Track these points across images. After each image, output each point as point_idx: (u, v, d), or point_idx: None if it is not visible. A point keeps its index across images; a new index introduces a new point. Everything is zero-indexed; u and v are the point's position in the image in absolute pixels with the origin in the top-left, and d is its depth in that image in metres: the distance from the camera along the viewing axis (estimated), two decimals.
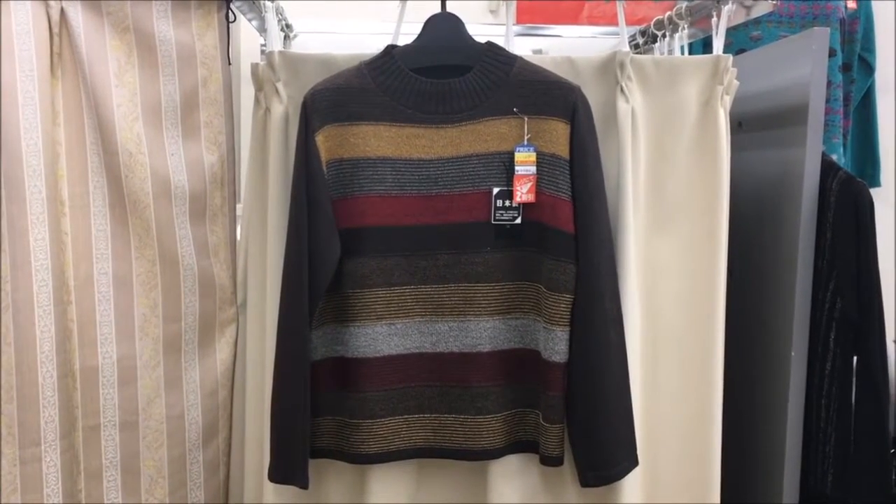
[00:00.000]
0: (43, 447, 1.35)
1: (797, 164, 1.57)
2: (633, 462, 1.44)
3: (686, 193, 1.52)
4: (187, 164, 1.50)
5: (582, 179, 1.39)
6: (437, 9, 1.46)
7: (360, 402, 1.41)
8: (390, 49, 1.43)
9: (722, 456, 1.53)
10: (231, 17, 1.53)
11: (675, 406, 1.54)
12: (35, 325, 1.33)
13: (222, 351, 1.58)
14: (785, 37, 1.91)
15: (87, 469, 1.45)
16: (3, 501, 1.32)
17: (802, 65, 1.57)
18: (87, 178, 1.41)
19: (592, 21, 2.62)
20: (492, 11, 2.65)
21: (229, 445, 1.61)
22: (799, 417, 1.57)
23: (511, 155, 1.39)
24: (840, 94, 2.25)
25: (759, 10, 1.65)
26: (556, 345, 1.39)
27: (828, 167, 1.56)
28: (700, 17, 1.70)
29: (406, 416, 1.44)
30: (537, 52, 2.42)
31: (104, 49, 1.40)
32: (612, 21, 2.50)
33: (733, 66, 1.50)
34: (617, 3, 1.58)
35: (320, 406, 1.43)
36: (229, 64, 1.54)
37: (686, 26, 1.74)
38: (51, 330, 1.35)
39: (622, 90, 1.46)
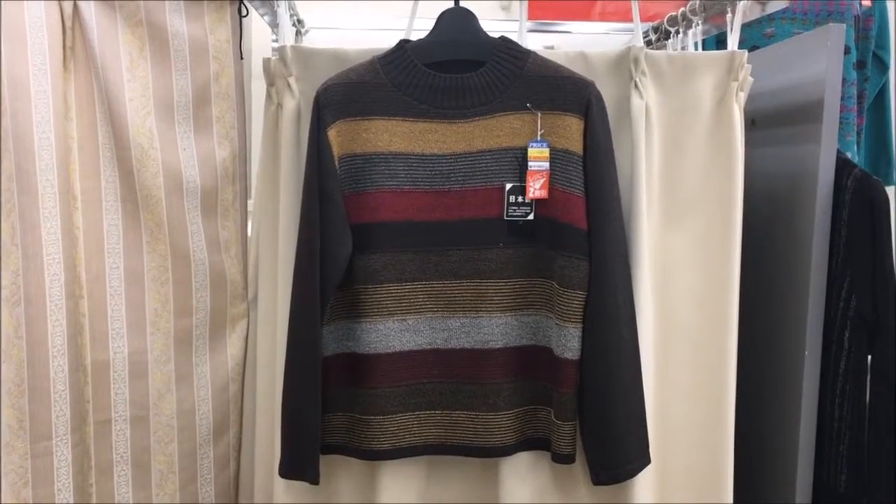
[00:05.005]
0: (54, 441, 1.35)
1: (812, 162, 1.55)
2: (645, 460, 1.43)
3: (700, 190, 1.51)
4: (199, 159, 1.50)
5: (595, 175, 1.38)
6: (449, 4, 1.46)
7: (370, 398, 1.41)
8: (403, 44, 1.42)
9: (734, 454, 1.52)
10: (243, 12, 1.53)
11: (687, 404, 1.53)
12: (47, 319, 1.33)
13: (233, 346, 1.58)
14: (799, 34, 1.89)
15: (98, 464, 1.45)
16: (14, 495, 1.32)
17: (817, 61, 1.55)
18: (98, 172, 1.42)
19: (605, 18, 2.61)
20: (503, 8, 2.64)
21: (240, 441, 1.61)
22: (812, 416, 1.56)
23: (524, 150, 1.38)
24: (854, 91, 2.23)
25: (774, 6, 1.64)
26: (568, 341, 1.38)
27: (843, 165, 1.55)
28: (714, 13, 1.69)
29: (417, 413, 1.43)
30: (549, 48, 2.41)
31: (117, 43, 1.40)
32: (624, 17, 2.50)
33: (747, 62, 1.49)
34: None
35: (331, 402, 1.43)
36: (241, 59, 1.54)
37: (700, 22, 1.73)
38: (62, 324, 1.34)
39: (636, 86, 1.45)
